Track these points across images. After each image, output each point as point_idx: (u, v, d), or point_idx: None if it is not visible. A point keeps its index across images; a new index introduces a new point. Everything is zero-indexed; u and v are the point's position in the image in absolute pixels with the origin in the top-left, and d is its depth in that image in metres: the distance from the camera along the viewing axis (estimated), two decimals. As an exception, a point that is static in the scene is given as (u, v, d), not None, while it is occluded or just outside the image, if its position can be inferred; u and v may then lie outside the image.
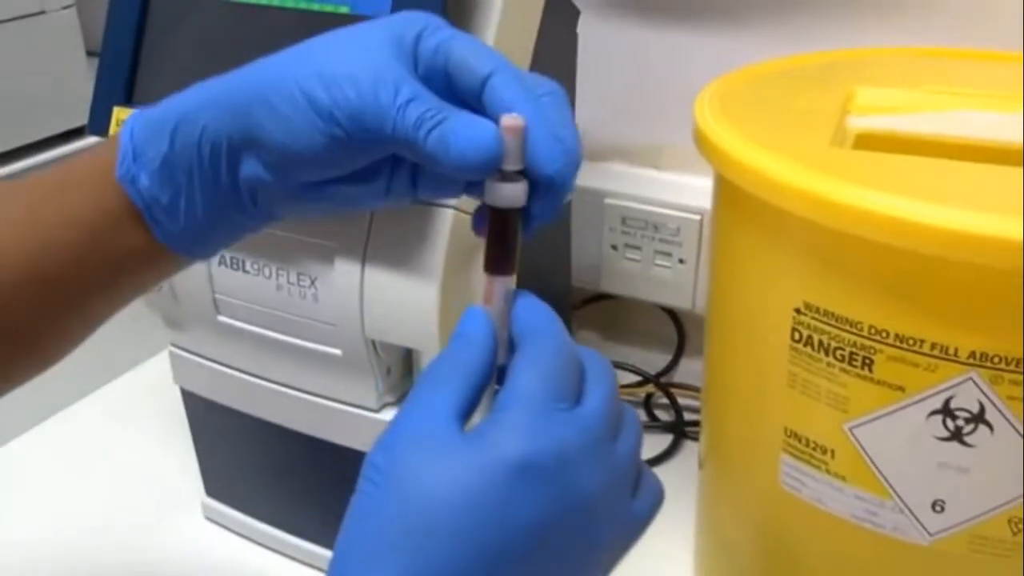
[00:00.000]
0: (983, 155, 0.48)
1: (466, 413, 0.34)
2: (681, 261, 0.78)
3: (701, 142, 0.50)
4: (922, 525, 0.47)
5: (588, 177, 0.80)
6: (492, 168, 0.35)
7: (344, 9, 0.49)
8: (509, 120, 0.34)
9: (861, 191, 0.42)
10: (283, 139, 0.37)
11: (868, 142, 0.52)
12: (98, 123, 0.55)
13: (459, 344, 0.36)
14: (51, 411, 0.84)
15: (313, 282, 0.54)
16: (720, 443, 0.58)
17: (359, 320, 0.53)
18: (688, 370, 0.86)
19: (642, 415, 0.83)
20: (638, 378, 0.84)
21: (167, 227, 0.40)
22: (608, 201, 0.79)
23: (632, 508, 0.37)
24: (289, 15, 0.50)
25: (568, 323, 0.78)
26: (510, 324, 0.37)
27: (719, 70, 0.59)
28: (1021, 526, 0.45)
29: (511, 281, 0.37)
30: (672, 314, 0.85)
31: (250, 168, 0.39)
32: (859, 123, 0.53)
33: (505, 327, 0.37)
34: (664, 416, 0.83)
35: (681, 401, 0.82)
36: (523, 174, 0.35)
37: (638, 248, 0.80)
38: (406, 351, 0.57)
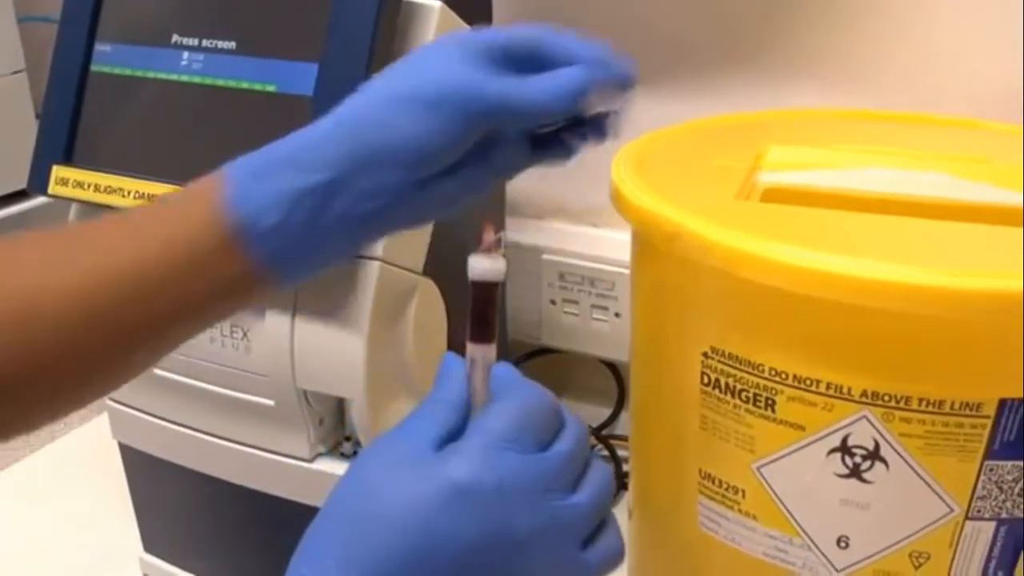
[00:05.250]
0: (881, 207, 0.50)
1: (441, 441, 0.38)
2: (617, 315, 0.80)
3: (616, 199, 0.53)
4: (829, 562, 0.48)
5: (526, 234, 0.82)
6: (573, 101, 0.41)
7: (271, 88, 0.51)
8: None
9: (759, 241, 0.44)
10: (410, 136, 0.40)
11: (775, 196, 0.54)
12: (38, 180, 0.57)
13: (440, 385, 0.40)
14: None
15: (246, 334, 0.55)
16: (645, 490, 0.59)
17: (290, 371, 0.55)
18: (628, 422, 0.88)
19: (583, 467, 0.84)
20: (579, 431, 0.85)
21: (269, 250, 0.41)
22: (546, 257, 0.82)
23: (580, 558, 0.39)
24: (218, 91, 0.53)
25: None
26: (489, 387, 0.39)
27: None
28: (923, 560, 0.47)
29: (491, 350, 0.40)
30: (612, 367, 0.87)
31: (373, 181, 0.41)
32: (768, 179, 0.56)
33: (485, 393, 0.39)
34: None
35: (621, 453, 0.84)
36: (503, 254, 0.39)
37: (576, 303, 0.82)
38: (338, 402, 0.58)
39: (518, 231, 0.82)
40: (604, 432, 0.86)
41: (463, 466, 0.36)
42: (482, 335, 0.39)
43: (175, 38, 0.53)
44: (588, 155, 0.57)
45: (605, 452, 0.85)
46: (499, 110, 0.41)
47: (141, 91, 0.54)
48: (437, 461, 0.37)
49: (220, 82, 0.52)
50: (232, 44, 0.52)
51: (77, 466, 0.83)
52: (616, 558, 0.41)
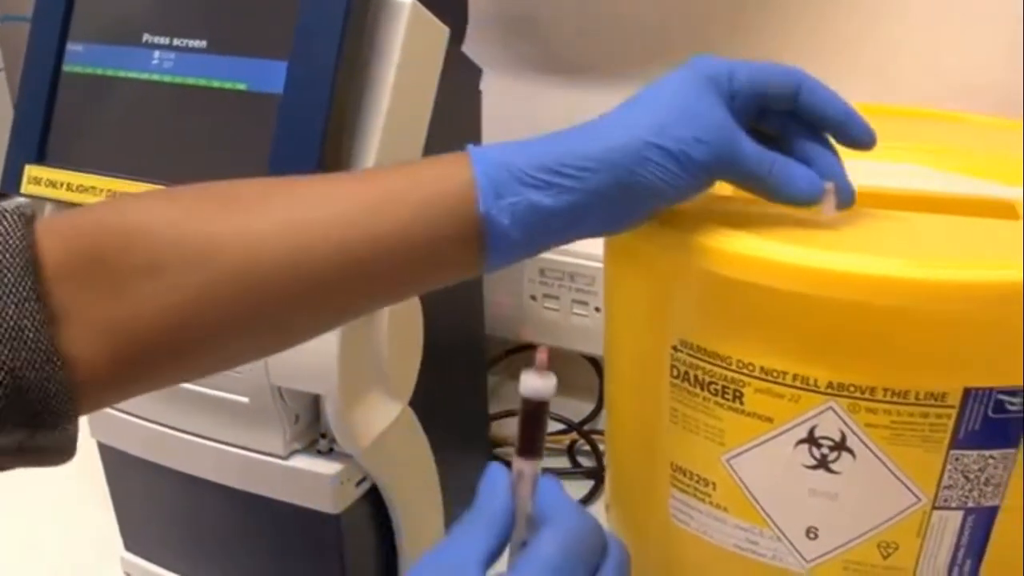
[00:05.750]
0: (861, 200, 0.50)
1: (489, 560, 0.39)
2: (597, 309, 0.81)
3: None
4: (799, 552, 0.49)
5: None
6: (812, 202, 0.46)
7: (242, 86, 0.51)
8: None
9: (727, 235, 0.45)
10: (661, 186, 0.43)
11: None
12: (10, 179, 0.57)
13: (484, 498, 0.40)
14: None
15: (220, 332, 0.56)
16: (620, 483, 0.60)
17: (264, 367, 0.55)
18: (608, 417, 0.88)
19: (565, 462, 0.85)
20: (562, 426, 0.86)
21: (501, 253, 0.43)
22: (526, 253, 0.82)
23: None
24: (190, 90, 0.53)
25: (483, 372, 0.80)
26: (534, 502, 0.40)
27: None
28: (891, 550, 0.47)
29: (538, 464, 0.41)
30: (593, 361, 0.87)
31: (610, 212, 0.44)
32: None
33: (529, 504, 0.40)
34: (587, 463, 0.85)
35: (603, 447, 0.84)
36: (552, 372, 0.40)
37: (556, 298, 0.82)
38: (313, 399, 0.59)
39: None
40: (587, 427, 0.86)
41: None
42: (531, 450, 0.40)
43: (146, 37, 0.53)
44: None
45: (587, 447, 0.85)
46: (751, 182, 0.46)
47: (113, 90, 0.54)
48: None
49: (191, 81, 0.52)
50: (203, 43, 0.52)
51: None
52: None
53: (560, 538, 0.38)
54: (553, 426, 0.86)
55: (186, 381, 0.44)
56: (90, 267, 0.38)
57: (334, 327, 0.46)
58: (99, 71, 0.54)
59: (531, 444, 0.40)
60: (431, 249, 0.42)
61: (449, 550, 0.39)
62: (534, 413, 0.40)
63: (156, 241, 0.38)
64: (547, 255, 0.81)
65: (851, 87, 0.69)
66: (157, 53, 0.53)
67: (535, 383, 0.39)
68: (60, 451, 0.38)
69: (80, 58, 0.55)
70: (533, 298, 0.83)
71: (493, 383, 0.95)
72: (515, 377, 0.95)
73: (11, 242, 0.36)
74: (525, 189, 0.42)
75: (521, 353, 0.90)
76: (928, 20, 0.66)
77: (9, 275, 0.35)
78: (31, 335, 0.35)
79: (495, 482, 0.40)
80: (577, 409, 0.88)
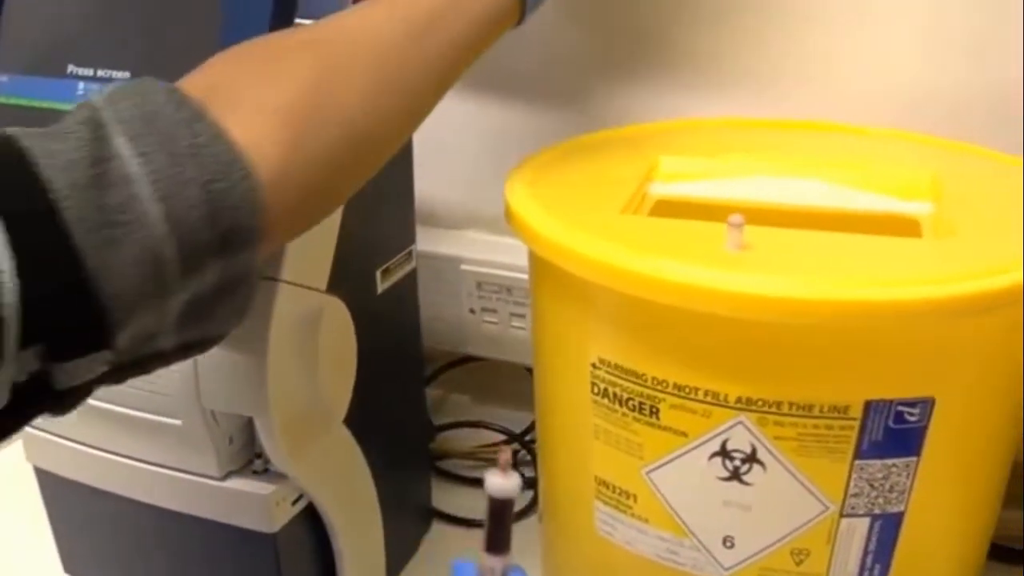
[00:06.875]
0: (758, 218, 0.52)
1: None
2: (534, 322, 0.82)
3: (509, 217, 0.54)
4: (717, 561, 0.51)
5: (444, 244, 0.84)
6: None
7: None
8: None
9: (640, 259, 0.46)
10: None
11: (665, 209, 0.56)
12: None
13: None
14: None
15: (152, 356, 0.56)
16: (550, 495, 0.61)
17: (194, 390, 0.56)
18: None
19: (507, 472, 0.86)
20: (503, 437, 0.87)
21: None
22: (464, 267, 0.83)
23: None
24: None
25: (421, 387, 0.81)
26: None
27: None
28: (803, 557, 0.49)
29: (507, 559, 0.43)
30: (532, 372, 0.89)
31: None
32: (657, 190, 0.58)
33: None
34: (529, 472, 0.86)
35: (544, 457, 0.85)
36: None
37: (495, 311, 0.84)
38: (245, 421, 0.59)
39: (435, 241, 0.83)
40: (527, 437, 0.88)
41: None
42: (499, 547, 0.42)
43: (71, 68, 0.54)
44: (501, 165, 0.59)
45: (528, 457, 0.86)
46: None
47: (39, 121, 0.54)
48: None
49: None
50: (127, 74, 0.52)
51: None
52: None
53: None
54: (493, 436, 0.87)
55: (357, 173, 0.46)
56: (240, 65, 0.43)
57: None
58: (24, 102, 0.55)
59: (499, 541, 0.43)
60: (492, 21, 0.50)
61: None
62: (500, 511, 0.42)
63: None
64: (483, 268, 0.83)
65: (795, 103, 0.71)
66: (82, 84, 0.53)
67: (499, 483, 0.41)
68: (250, 285, 0.40)
69: (5, 89, 0.55)
70: (472, 311, 0.84)
71: (437, 396, 0.97)
72: (457, 390, 0.96)
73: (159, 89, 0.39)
74: None
75: (463, 365, 0.92)
76: (854, 34, 0.68)
77: (168, 108, 0.38)
78: (210, 150, 0.37)
79: None
80: (519, 419, 0.89)
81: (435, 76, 0.48)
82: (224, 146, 0.38)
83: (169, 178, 0.36)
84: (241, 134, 0.38)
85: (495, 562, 0.42)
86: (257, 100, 0.40)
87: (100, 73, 0.53)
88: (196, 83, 0.41)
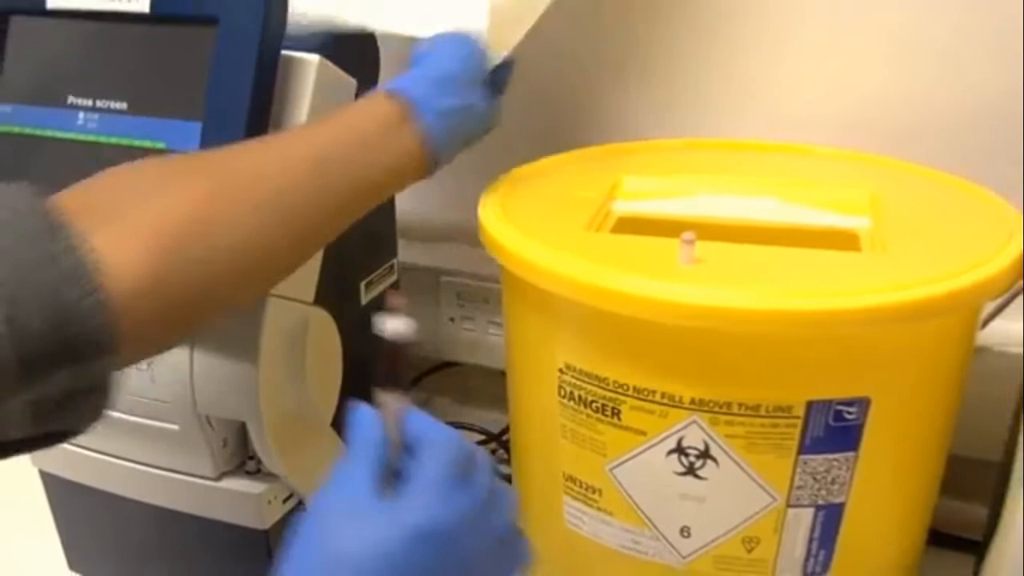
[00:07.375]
0: (714, 234, 0.56)
1: (378, 486, 0.39)
2: (510, 329, 0.86)
3: (482, 234, 0.58)
4: (675, 549, 0.55)
5: (425, 257, 0.88)
6: None
7: (161, 144, 0.55)
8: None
9: (596, 271, 0.50)
10: None
11: (626, 225, 0.61)
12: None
13: (359, 430, 0.42)
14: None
15: (150, 365, 0.60)
16: (523, 490, 0.65)
17: (190, 397, 0.60)
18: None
19: (486, 471, 0.90)
20: (482, 437, 0.91)
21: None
22: (444, 279, 0.87)
23: (512, 560, 0.43)
24: (113, 149, 0.57)
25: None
26: (404, 430, 0.42)
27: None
28: (754, 545, 0.54)
29: (403, 397, 0.43)
30: (510, 377, 0.93)
31: None
32: (619, 208, 0.62)
33: (397, 433, 0.42)
34: (506, 470, 0.90)
35: (521, 456, 0.89)
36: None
37: (472, 319, 0.88)
38: (240, 424, 0.63)
39: (417, 254, 0.87)
40: (505, 437, 0.92)
41: (420, 511, 0.38)
42: (391, 382, 0.43)
43: (71, 99, 0.58)
44: (480, 182, 0.63)
45: (506, 456, 0.91)
46: None
47: (40, 149, 0.58)
48: (392, 509, 0.38)
49: (114, 140, 0.56)
50: (124, 105, 0.56)
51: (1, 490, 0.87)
52: (526, 562, 0.45)
53: (439, 451, 0.40)
54: (473, 437, 0.91)
55: (219, 305, 0.46)
56: (133, 180, 0.44)
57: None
58: (26, 130, 0.58)
59: (391, 378, 0.43)
60: (393, 169, 0.53)
61: (338, 486, 0.40)
62: (392, 352, 0.42)
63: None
64: (463, 280, 0.87)
65: (744, 125, 0.76)
66: (82, 114, 0.57)
67: (393, 324, 0.42)
68: (104, 392, 0.41)
69: (8, 118, 0.59)
70: (451, 320, 0.89)
71: (420, 399, 1.00)
72: (439, 393, 1.00)
73: (23, 196, 0.40)
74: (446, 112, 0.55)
75: (444, 370, 0.96)
76: (816, 59, 0.72)
77: (27, 217, 0.39)
78: (65, 260, 0.38)
79: (364, 417, 0.42)
80: (497, 420, 0.93)
81: (333, 215, 0.51)
82: (78, 258, 0.38)
83: (15, 283, 0.37)
84: (109, 249, 0.39)
85: (388, 398, 0.42)
86: (138, 217, 0.42)
87: (99, 103, 0.57)
88: (78, 195, 0.43)
